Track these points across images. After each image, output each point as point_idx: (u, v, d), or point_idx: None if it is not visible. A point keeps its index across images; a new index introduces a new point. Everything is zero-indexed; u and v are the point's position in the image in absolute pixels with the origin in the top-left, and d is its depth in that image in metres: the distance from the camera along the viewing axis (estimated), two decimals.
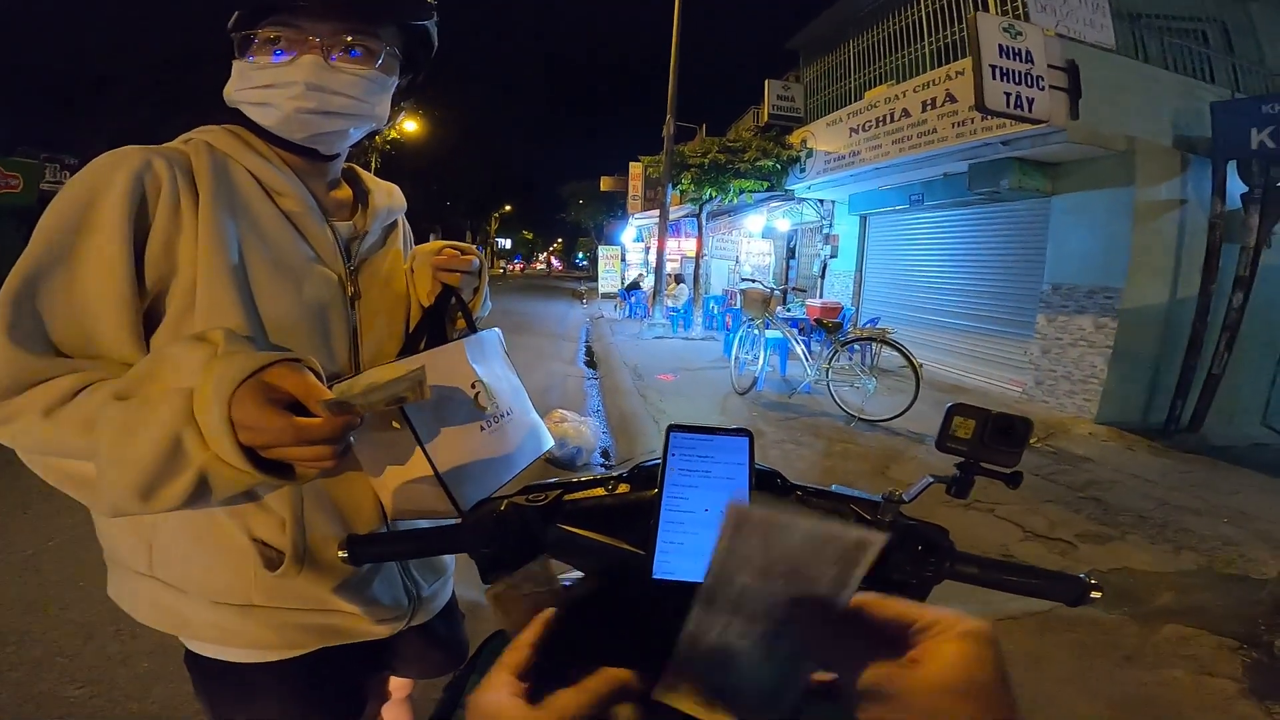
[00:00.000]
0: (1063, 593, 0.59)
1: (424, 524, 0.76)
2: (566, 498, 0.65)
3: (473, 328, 0.92)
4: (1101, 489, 3.85)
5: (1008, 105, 5.16)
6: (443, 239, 0.96)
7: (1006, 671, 0.30)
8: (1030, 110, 5.17)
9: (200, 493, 0.53)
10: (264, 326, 0.71)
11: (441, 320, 0.91)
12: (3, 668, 1.83)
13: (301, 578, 0.74)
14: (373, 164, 28.06)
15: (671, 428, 0.59)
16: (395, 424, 0.72)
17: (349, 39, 0.73)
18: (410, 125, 28.69)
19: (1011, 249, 7.03)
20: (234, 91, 0.75)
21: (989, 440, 0.67)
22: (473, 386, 0.80)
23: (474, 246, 0.93)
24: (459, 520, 0.65)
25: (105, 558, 0.80)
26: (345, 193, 0.88)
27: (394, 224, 0.93)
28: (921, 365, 5.10)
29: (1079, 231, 5.95)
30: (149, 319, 0.67)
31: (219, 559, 0.73)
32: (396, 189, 0.93)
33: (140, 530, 0.74)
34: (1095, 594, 0.58)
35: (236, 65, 0.75)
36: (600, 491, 0.66)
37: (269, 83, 0.73)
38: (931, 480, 0.70)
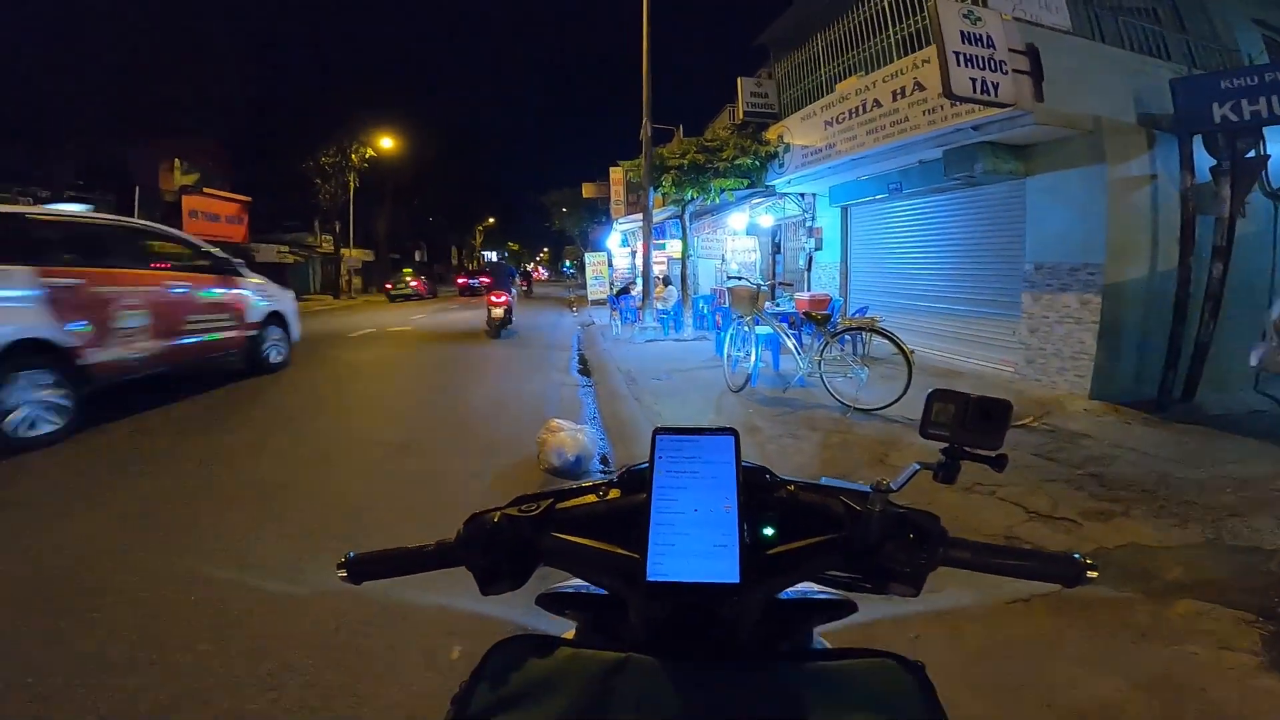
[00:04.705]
0: (1058, 574, 0.57)
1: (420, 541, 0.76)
2: (559, 506, 0.66)
3: None
4: (1101, 465, 3.83)
5: (974, 91, 5.22)
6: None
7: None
8: (996, 94, 5.23)
9: None
10: None
11: None
12: None
13: None
14: (350, 184, 27.91)
15: (657, 431, 0.61)
16: None
17: None
18: (386, 142, 28.51)
19: (992, 231, 7.08)
20: None
21: (970, 424, 0.68)
22: None
23: None
24: (456, 535, 0.65)
25: None
26: None
27: None
28: (913, 351, 5.13)
29: (1056, 211, 6.01)
30: None
31: None
32: None
33: None
34: (1091, 574, 0.56)
35: None
36: (592, 499, 0.67)
37: None
38: (919, 467, 0.71)
